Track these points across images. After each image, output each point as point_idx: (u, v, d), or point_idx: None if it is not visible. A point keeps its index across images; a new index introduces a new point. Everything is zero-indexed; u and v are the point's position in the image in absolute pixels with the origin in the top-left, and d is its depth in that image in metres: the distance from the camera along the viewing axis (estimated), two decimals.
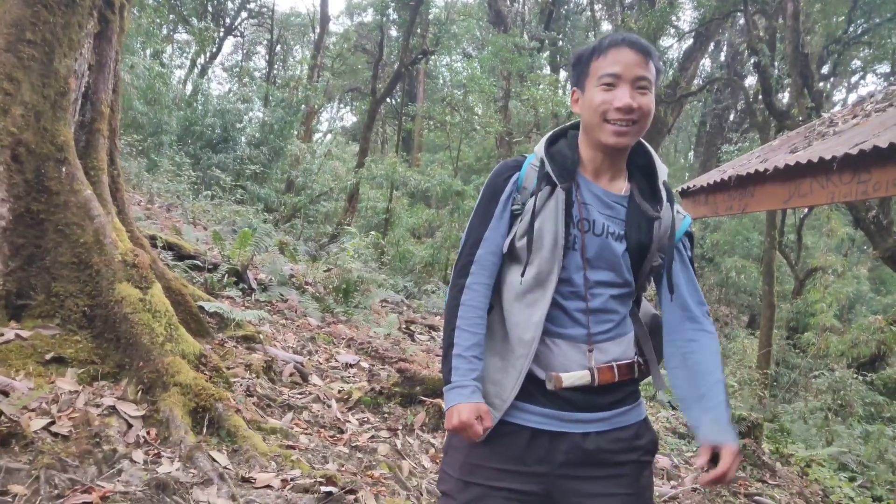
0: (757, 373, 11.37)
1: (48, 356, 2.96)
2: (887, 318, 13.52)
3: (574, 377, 1.49)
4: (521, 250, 1.53)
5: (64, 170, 3.30)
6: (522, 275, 1.51)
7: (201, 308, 4.27)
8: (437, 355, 6.26)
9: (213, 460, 2.72)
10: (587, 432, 1.50)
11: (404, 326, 7.42)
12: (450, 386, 1.51)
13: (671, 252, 1.56)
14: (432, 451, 3.71)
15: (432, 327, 7.92)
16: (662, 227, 1.55)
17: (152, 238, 5.38)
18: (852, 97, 23.38)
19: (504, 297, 1.56)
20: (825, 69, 17.74)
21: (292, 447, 3.16)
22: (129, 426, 2.80)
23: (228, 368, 3.72)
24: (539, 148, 1.59)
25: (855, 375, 11.05)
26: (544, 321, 1.49)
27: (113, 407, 2.86)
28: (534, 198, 1.52)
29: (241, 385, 3.65)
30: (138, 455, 2.64)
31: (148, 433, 2.81)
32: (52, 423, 2.61)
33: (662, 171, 1.59)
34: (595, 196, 1.54)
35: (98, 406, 2.83)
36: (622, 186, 1.57)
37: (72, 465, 2.42)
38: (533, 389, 1.50)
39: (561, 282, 1.50)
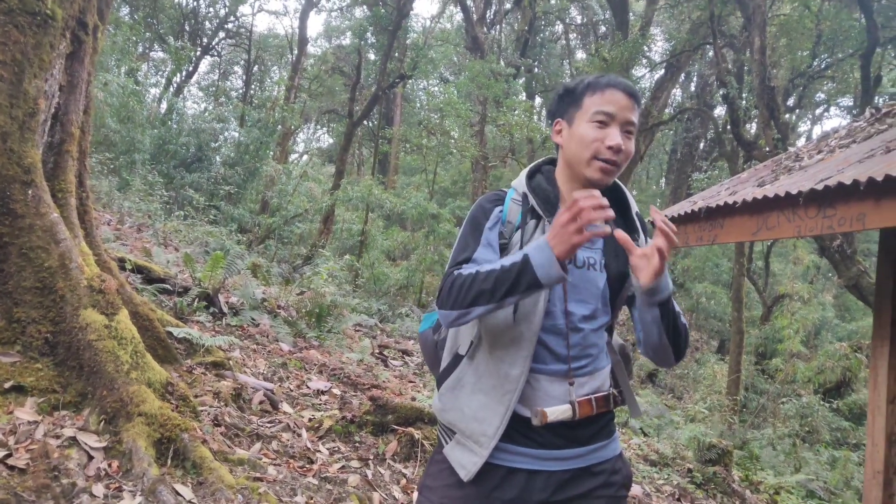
0: (727, 398, 11.49)
1: (7, 385, 2.86)
2: (851, 344, 13.83)
3: (557, 412, 1.48)
4: None
5: (30, 192, 3.23)
6: (515, 311, 1.48)
7: (170, 334, 4.18)
8: (410, 381, 6.20)
9: (177, 494, 2.64)
10: (564, 469, 1.50)
11: (377, 351, 7.35)
12: (524, 259, 1.36)
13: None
14: (404, 481, 3.65)
15: (405, 352, 7.85)
16: None
17: (121, 260, 5.27)
18: (817, 129, 24.16)
19: (489, 333, 1.54)
20: (790, 101, 18.33)
21: (260, 479, 3.09)
22: (90, 458, 2.71)
23: (196, 396, 3.64)
24: (520, 183, 1.60)
25: (821, 401, 11.24)
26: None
27: (73, 438, 2.77)
28: (520, 231, 1.53)
29: (208, 414, 3.56)
30: (98, 489, 2.55)
31: (109, 465, 2.72)
32: (9, 455, 2.52)
33: (633, 204, 1.64)
34: None
35: (58, 437, 2.74)
36: None
37: (28, 499, 2.33)
38: (511, 429, 1.49)
39: (544, 315, 1.49)
